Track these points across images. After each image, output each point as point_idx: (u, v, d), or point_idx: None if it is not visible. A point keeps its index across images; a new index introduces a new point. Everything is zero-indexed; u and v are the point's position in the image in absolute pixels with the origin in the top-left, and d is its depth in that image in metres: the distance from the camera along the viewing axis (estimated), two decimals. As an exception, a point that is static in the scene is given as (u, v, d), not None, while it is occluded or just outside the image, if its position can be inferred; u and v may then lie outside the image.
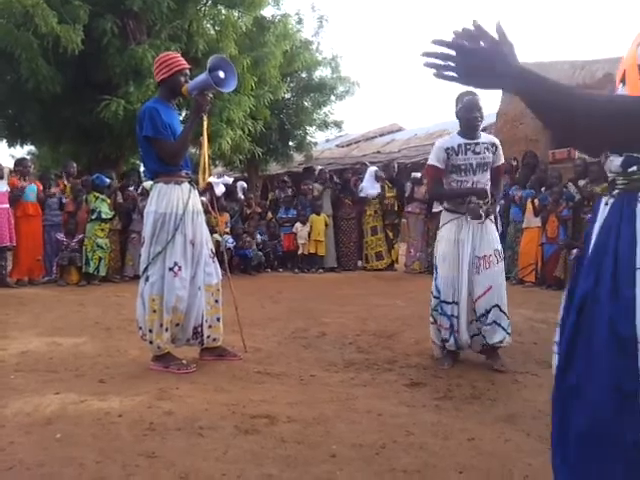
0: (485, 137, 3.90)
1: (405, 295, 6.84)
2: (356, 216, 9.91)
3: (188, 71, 3.67)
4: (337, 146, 17.59)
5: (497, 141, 3.92)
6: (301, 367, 3.72)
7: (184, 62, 3.66)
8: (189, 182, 3.66)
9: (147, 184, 7.58)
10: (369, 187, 9.79)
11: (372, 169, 10.10)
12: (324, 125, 14.73)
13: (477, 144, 3.79)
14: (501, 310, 3.67)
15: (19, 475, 2.15)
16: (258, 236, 9.36)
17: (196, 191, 3.71)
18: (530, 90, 1.16)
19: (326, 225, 9.65)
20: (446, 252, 3.76)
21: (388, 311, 5.82)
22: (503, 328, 3.67)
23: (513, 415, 2.86)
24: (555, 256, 7.50)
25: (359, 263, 9.94)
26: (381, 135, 17.39)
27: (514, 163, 9.00)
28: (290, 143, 14.18)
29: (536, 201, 7.81)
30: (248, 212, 9.62)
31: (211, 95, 3.60)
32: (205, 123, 3.63)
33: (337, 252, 9.77)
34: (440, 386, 3.34)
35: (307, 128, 14.36)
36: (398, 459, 2.30)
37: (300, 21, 13.00)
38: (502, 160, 3.94)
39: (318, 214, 9.61)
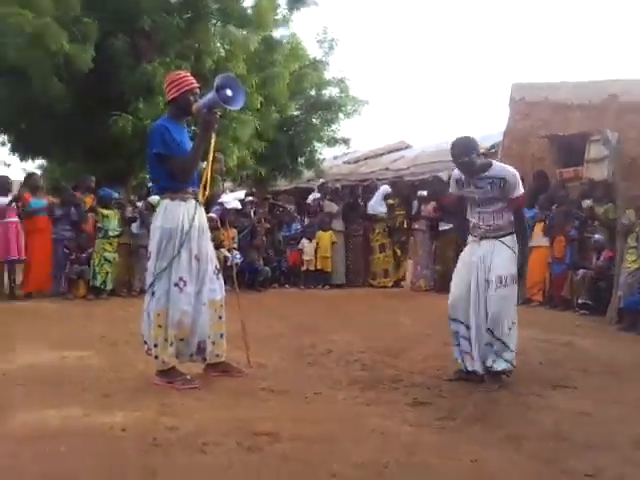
0: (495, 170, 3.74)
1: (411, 313, 6.81)
2: (363, 233, 9.93)
3: (198, 90, 3.72)
4: (345, 163, 17.63)
5: (508, 174, 3.71)
6: (306, 384, 3.71)
7: (194, 81, 3.70)
8: (195, 199, 3.69)
9: (153, 199, 7.64)
10: (377, 205, 9.83)
11: (385, 189, 10.10)
12: (332, 142, 14.82)
13: (480, 179, 3.76)
14: (494, 335, 3.67)
15: (22, 489, 2.16)
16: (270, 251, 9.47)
17: (202, 208, 3.74)
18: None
19: (334, 242, 9.66)
20: (457, 270, 3.93)
21: (394, 329, 5.80)
22: (495, 352, 3.68)
23: (517, 436, 2.84)
24: (562, 276, 7.46)
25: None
26: (389, 152, 17.39)
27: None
28: (299, 160, 14.27)
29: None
30: (257, 228, 9.65)
31: (219, 113, 3.65)
32: (213, 141, 3.67)
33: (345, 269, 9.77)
34: (444, 406, 3.32)
35: (315, 145, 14.45)
36: (401, 479, 2.29)
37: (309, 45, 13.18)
38: (518, 192, 3.71)
39: (325, 230, 9.63)
